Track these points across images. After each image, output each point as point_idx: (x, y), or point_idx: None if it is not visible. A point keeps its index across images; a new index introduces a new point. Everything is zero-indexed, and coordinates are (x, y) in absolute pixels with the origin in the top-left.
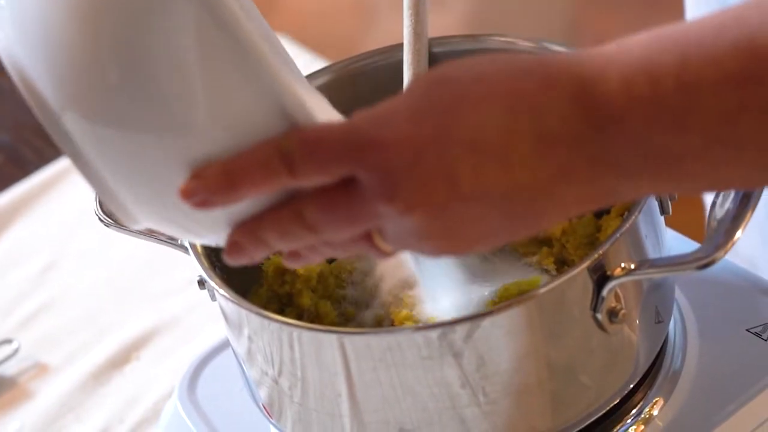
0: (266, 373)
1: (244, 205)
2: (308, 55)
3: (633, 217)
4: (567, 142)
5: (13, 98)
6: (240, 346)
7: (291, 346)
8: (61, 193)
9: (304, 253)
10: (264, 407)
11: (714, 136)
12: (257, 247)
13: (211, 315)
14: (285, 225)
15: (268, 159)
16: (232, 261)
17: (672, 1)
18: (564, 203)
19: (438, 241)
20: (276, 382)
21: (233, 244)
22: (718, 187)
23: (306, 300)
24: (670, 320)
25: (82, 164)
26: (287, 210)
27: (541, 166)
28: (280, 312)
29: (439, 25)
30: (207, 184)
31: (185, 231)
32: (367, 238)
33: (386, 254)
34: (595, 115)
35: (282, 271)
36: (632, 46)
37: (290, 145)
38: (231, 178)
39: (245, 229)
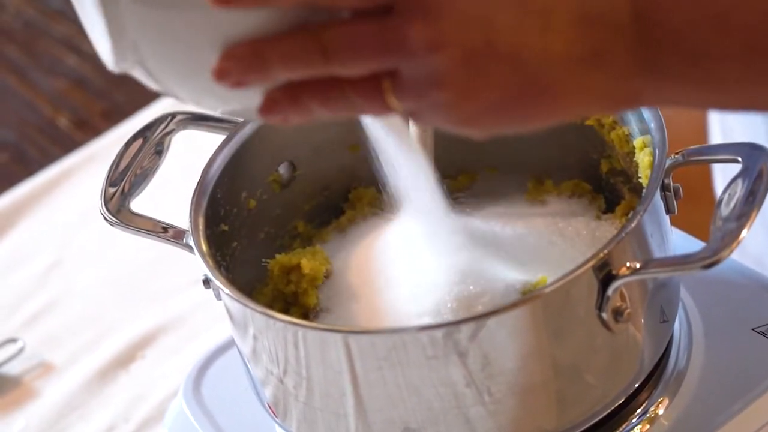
0: (271, 373)
1: None
2: None
3: (638, 216)
4: (609, 28)
5: (18, 97)
6: (245, 346)
7: (296, 346)
8: (66, 192)
9: (303, 100)
10: (269, 406)
11: (754, 41)
12: (255, 68)
13: (216, 314)
14: (300, 42)
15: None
16: (220, 80)
17: None
18: (588, 93)
19: (454, 95)
20: (281, 381)
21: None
22: (746, 105)
23: (312, 299)
24: (675, 320)
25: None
26: (306, 32)
27: (578, 43)
28: (286, 311)
29: None
30: (239, 64)
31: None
32: (378, 89)
33: (389, 110)
34: (641, 7)
35: (288, 270)
36: None
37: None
38: (261, 53)
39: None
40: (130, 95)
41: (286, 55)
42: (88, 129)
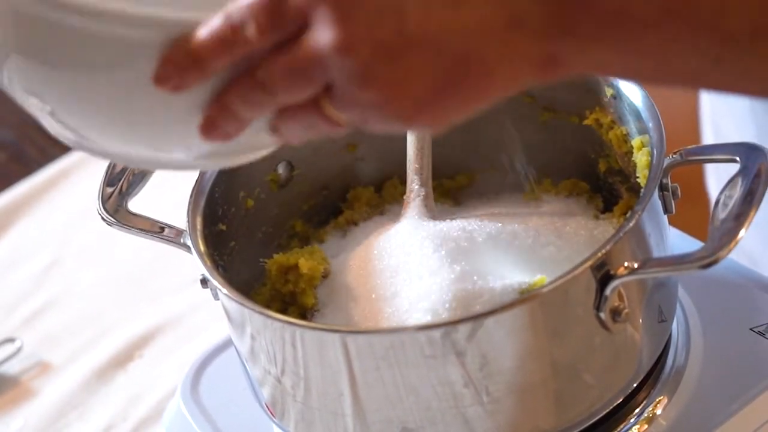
0: (269, 372)
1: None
2: None
3: (637, 215)
4: None
5: None
6: (243, 345)
7: (294, 345)
8: (65, 191)
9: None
10: (267, 406)
11: (670, 7)
12: (226, 118)
13: (214, 314)
14: (243, 88)
15: (224, 29)
16: (207, 137)
17: None
18: (513, 59)
19: (382, 92)
20: (279, 381)
21: (206, 120)
22: (663, 74)
23: (309, 299)
24: (673, 319)
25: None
26: (245, 74)
27: (494, 11)
28: (283, 311)
29: None
30: (178, 66)
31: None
32: (317, 107)
33: (338, 125)
34: None
35: (285, 270)
36: None
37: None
38: (196, 53)
39: (213, 104)
40: None
41: (238, 100)
42: None
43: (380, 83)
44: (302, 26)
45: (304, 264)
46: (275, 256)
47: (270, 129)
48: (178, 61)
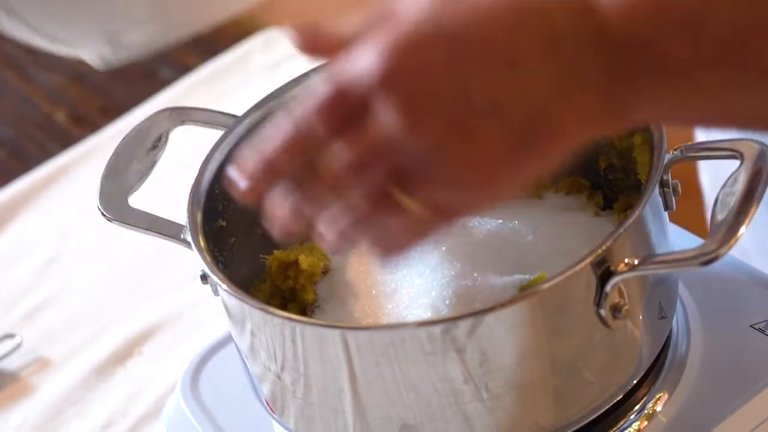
0: (269, 369)
1: None
2: None
3: (637, 212)
4: (578, 49)
5: (16, 93)
6: (242, 342)
7: (294, 342)
8: (64, 187)
9: (339, 232)
10: (267, 402)
11: (724, 51)
12: (292, 218)
13: (214, 310)
14: (309, 186)
15: (292, 132)
16: (277, 235)
17: None
18: (582, 118)
19: (456, 166)
20: (278, 377)
21: (271, 218)
22: (739, 118)
23: (309, 296)
24: (673, 316)
25: None
26: (311, 173)
27: (552, 74)
28: (283, 307)
29: None
30: (253, 176)
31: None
32: (389, 198)
33: (415, 214)
34: (605, 19)
35: (285, 266)
36: None
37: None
38: (269, 162)
39: (281, 208)
40: (128, 91)
41: (308, 202)
42: (86, 124)
43: (455, 158)
44: (365, 115)
45: (305, 260)
46: (275, 252)
47: (334, 242)
48: (253, 172)
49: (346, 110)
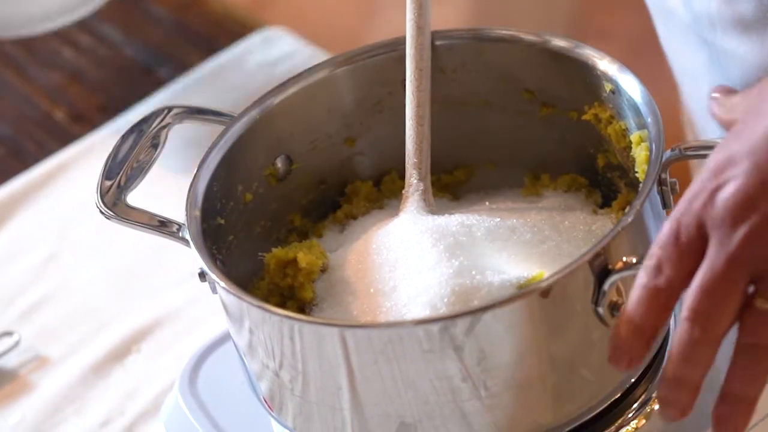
0: (267, 366)
1: None
2: (309, 49)
3: (635, 210)
4: None
5: (15, 91)
6: (241, 339)
7: (292, 339)
8: (62, 185)
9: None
10: (265, 400)
11: None
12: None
13: (213, 307)
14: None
15: (652, 293)
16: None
17: None
18: None
19: None
20: (277, 375)
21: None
22: None
23: (308, 293)
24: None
25: None
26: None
27: None
28: (282, 305)
29: (442, 17)
30: (628, 351)
31: None
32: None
33: None
34: None
35: (284, 264)
36: None
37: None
38: (640, 333)
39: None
40: (127, 89)
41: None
42: (85, 123)
43: None
44: (703, 244)
45: (303, 258)
46: (273, 250)
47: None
48: (628, 346)
49: (686, 246)
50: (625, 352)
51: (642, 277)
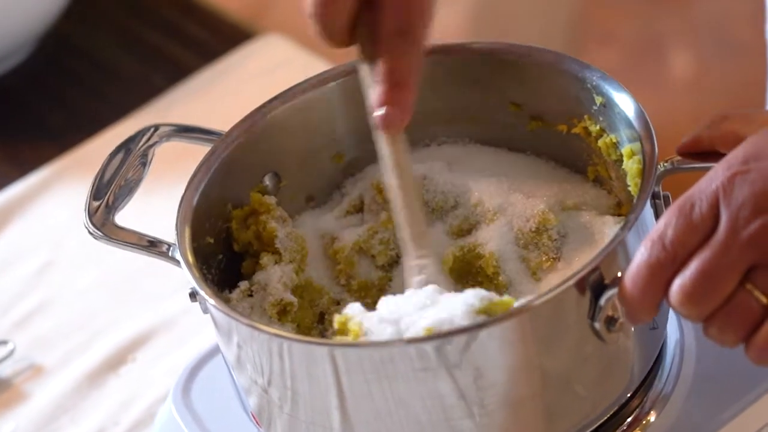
0: (255, 382)
1: None
2: (306, 57)
3: (630, 225)
4: None
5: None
6: (230, 354)
7: (281, 357)
8: (58, 193)
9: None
10: (253, 415)
11: None
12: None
13: (207, 318)
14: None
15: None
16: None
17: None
18: None
19: None
20: (265, 391)
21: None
22: None
23: (271, 232)
24: (666, 326)
25: None
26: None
27: None
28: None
29: (443, 21)
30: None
31: None
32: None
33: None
34: None
35: (245, 217)
36: None
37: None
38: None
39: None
40: (123, 96)
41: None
42: (81, 129)
43: None
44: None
45: (256, 199)
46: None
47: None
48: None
49: (697, 222)
50: (637, 314)
51: (643, 251)
